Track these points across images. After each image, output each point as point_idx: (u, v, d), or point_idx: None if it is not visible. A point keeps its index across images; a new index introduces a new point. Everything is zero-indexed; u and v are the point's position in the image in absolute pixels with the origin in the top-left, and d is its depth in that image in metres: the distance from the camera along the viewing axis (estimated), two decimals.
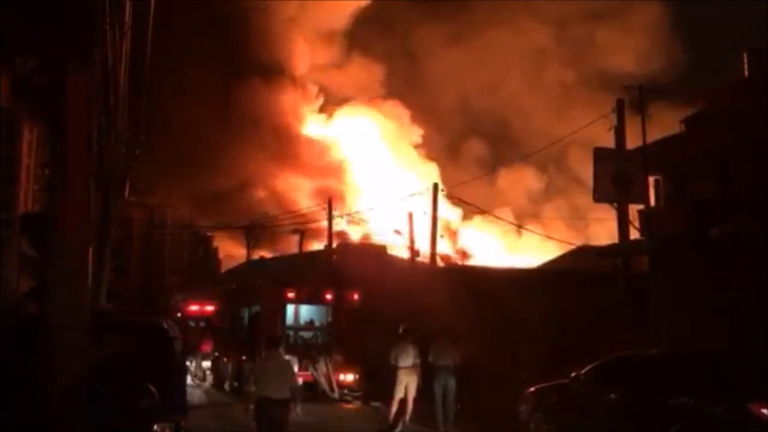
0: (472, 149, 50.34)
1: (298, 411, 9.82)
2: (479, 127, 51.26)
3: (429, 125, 50.14)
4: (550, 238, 28.69)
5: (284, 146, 47.24)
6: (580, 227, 38.41)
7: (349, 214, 37.17)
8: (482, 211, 31.62)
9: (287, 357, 19.76)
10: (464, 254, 42.71)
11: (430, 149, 49.92)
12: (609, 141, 18.41)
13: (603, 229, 34.86)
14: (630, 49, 46.81)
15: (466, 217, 42.67)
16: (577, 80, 49.77)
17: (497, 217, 33.47)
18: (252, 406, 9.68)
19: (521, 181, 47.21)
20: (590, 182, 18.28)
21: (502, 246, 43.72)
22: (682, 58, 46.15)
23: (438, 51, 49.54)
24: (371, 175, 47.89)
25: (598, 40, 49.04)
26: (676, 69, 41.90)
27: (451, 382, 14.60)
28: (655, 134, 21.16)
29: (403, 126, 49.74)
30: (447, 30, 49.13)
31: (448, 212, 31.51)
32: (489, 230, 42.11)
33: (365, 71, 49.22)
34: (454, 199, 29.54)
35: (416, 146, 49.97)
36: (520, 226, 31.30)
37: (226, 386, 22.41)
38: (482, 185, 41.98)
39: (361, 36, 49.19)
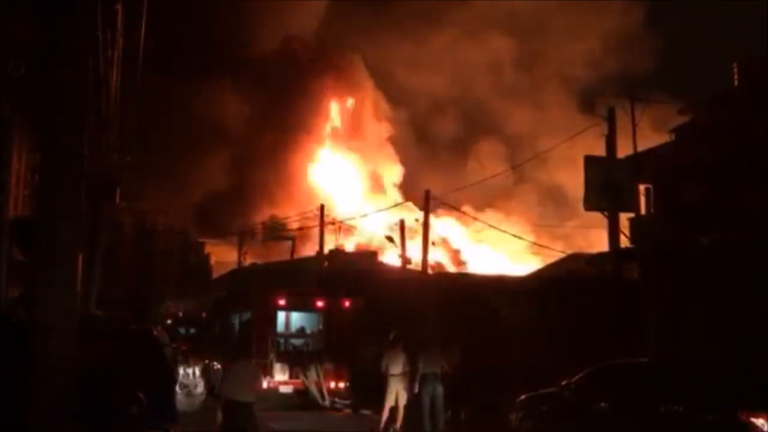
0: (442, 145, 50.96)
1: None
2: (447, 124, 51.77)
3: (398, 125, 50.70)
4: (541, 246, 28.72)
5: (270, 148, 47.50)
6: (556, 233, 38.58)
7: (340, 221, 37.20)
8: (460, 212, 31.73)
9: (279, 364, 20.06)
10: (458, 261, 42.81)
11: (399, 147, 50.38)
12: (590, 147, 18.71)
13: (578, 234, 35.23)
14: (608, 54, 47.35)
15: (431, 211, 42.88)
16: (555, 83, 50.32)
17: (479, 220, 33.50)
18: (220, 409, 10.14)
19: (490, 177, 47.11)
20: (565, 187, 18.45)
21: (469, 239, 43.83)
22: (666, 64, 46.85)
23: (405, 54, 49.94)
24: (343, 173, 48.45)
25: (574, 46, 49.63)
26: (664, 77, 42.35)
27: (439, 389, 14.57)
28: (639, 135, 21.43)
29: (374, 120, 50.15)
30: (413, 35, 49.60)
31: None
32: (458, 226, 42.23)
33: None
34: (446, 206, 29.60)
35: (387, 139, 50.39)
36: (514, 236, 31.30)
37: (216, 392, 22.32)
38: (449, 179, 42.66)
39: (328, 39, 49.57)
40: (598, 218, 18.48)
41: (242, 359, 10.76)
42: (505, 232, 29.55)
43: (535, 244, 30.70)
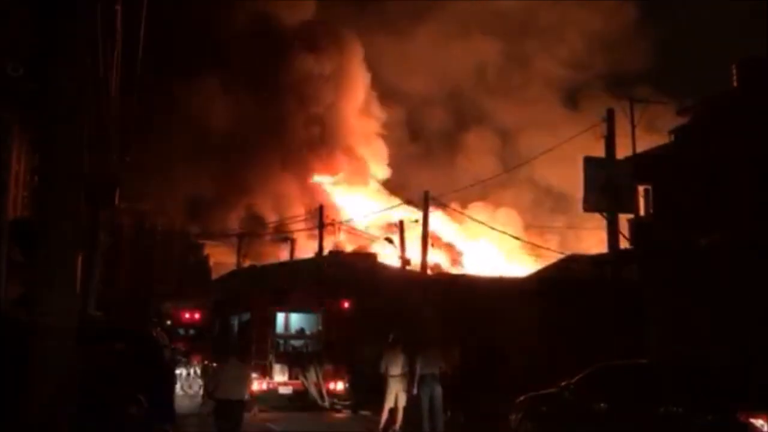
0: (429, 139, 51.36)
1: (255, 410, 10.53)
2: (435, 119, 52.03)
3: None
4: (537, 246, 28.70)
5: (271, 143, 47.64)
6: (547, 232, 38.66)
7: (338, 223, 37.21)
8: (457, 211, 31.82)
9: (278, 365, 20.06)
10: (456, 261, 42.82)
11: (386, 141, 50.55)
12: (583, 147, 18.82)
13: (569, 233, 35.32)
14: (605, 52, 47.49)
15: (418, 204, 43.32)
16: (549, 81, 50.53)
17: (471, 218, 33.55)
18: (212, 406, 10.56)
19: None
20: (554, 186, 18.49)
21: (459, 233, 44.01)
22: (661, 64, 47.03)
23: (391, 50, 50.15)
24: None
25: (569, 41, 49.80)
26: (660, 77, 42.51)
27: (438, 390, 14.57)
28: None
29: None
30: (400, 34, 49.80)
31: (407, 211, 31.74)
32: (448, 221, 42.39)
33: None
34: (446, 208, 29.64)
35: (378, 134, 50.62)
36: (513, 237, 31.33)
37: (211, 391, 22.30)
38: (437, 173, 42.98)
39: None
40: (588, 217, 18.54)
41: (233, 359, 11.00)
42: (503, 232, 29.57)
43: (528, 242, 30.76)
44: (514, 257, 38.91)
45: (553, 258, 26.98)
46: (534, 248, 31.40)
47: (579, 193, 18.45)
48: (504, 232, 29.45)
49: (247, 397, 10.53)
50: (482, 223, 31.29)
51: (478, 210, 39.63)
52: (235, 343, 19.99)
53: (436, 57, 51.13)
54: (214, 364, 23.27)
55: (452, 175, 44.46)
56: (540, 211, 45.12)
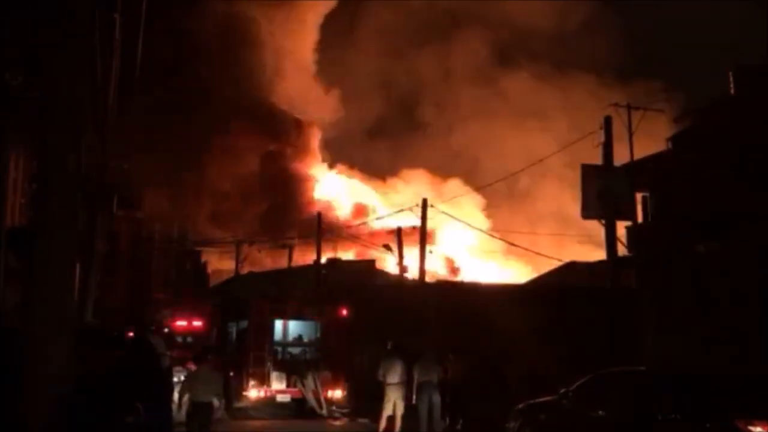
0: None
1: (219, 413, 11.61)
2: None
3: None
4: (538, 254, 28.69)
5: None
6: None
7: (337, 229, 37.23)
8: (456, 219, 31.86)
9: (276, 373, 20.04)
10: (453, 270, 42.79)
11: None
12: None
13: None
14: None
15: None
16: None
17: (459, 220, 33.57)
18: (186, 408, 11.09)
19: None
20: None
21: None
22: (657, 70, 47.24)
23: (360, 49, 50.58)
24: None
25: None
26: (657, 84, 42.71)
27: (435, 398, 14.57)
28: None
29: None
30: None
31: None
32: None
33: None
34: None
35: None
36: (509, 241, 31.39)
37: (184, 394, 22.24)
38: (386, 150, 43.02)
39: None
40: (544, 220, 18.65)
41: (204, 366, 11.59)
42: (490, 233, 29.68)
43: (512, 244, 30.93)
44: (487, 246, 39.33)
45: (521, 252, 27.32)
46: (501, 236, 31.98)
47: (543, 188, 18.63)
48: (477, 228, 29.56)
49: (211, 399, 10.98)
50: (466, 223, 31.29)
51: (421, 177, 40.21)
52: (206, 351, 20.04)
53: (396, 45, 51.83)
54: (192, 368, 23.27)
55: (403, 153, 45.36)
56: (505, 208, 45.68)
